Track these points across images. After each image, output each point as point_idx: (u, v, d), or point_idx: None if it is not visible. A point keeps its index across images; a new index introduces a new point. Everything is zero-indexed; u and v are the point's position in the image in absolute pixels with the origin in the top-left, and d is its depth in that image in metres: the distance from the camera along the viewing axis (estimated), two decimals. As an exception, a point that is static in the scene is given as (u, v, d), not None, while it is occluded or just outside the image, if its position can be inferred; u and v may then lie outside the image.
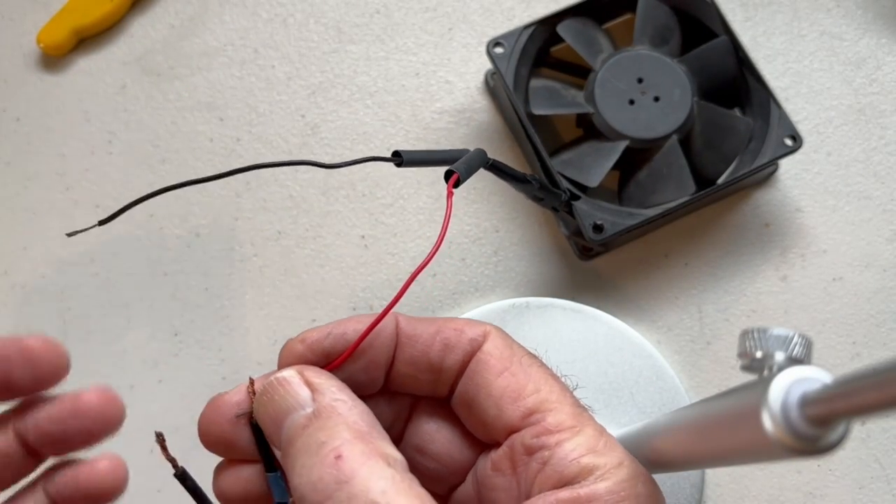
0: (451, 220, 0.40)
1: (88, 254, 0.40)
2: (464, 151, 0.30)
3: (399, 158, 0.28)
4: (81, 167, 0.41)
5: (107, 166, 0.41)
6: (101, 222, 0.27)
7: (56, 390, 0.25)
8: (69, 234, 0.28)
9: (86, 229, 0.27)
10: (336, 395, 0.24)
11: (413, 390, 0.27)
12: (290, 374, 0.24)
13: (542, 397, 0.25)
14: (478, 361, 0.26)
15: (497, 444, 0.26)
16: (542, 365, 0.27)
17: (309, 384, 0.24)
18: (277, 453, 0.24)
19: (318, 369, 0.25)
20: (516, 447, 0.25)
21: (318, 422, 0.23)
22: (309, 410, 0.23)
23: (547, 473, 0.24)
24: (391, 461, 0.22)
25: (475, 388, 0.26)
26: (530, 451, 0.25)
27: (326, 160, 0.42)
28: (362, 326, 0.26)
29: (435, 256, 0.40)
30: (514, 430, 0.26)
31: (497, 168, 0.32)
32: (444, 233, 0.26)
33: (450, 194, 0.27)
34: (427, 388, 0.27)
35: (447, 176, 0.28)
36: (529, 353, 0.27)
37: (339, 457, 0.22)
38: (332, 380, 0.24)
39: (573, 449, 0.24)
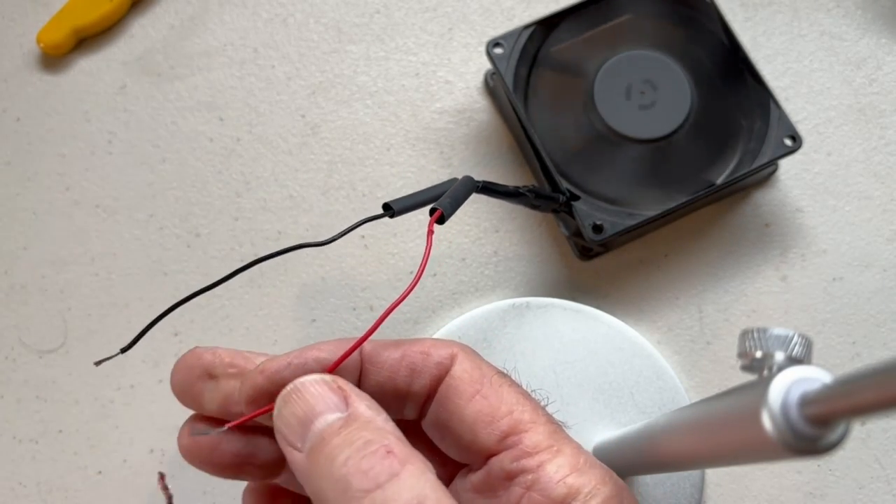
0: (449, 221, 0.40)
1: (88, 254, 0.40)
2: (451, 182, 0.31)
3: (391, 211, 0.29)
4: (81, 167, 0.41)
5: (107, 166, 0.41)
6: (123, 350, 0.27)
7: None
8: (97, 363, 0.28)
9: (111, 357, 0.27)
10: (371, 405, 0.24)
11: None
12: (326, 377, 0.24)
13: (516, 418, 0.25)
14: (447, 386, 0.26)
15: (475, 465, 0.26)
16: (513, 383, 0.27)
17: (342, 390, 0.24)
18: (294, 455, 0.24)
19: (347, 382, 0.25)
20: (495, 472, 0.25)
21: (357, 423, 0.23)
22: (344, 415, 0.23)
23: (533, 498, 0.24)
24: (430, 469, 0.22)
25: (447, 414, 0.26)
26: (511, 476, 0.25)
27: (326, 160, 0.42)
28: (324, 355, 0.25)
29: (436, 258, 0.40)
30: (491, 454, 0.25)
31: (488, 189, 0.32)
32: (422, 270, 0.26)
33: (430, 233, 0.27)
34: (395, 413, 0.27)
35: (431, 213, 0.28)
36: (499, 372, 0.27)
37: (390, 452, 0.22)
38: (363, 394, 0.24)
39: (556, 470, 0.24)
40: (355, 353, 0.26)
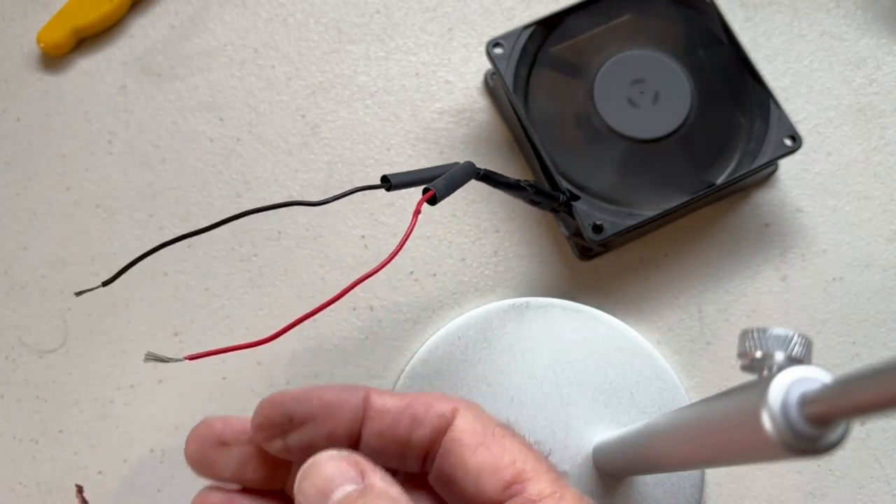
0: (450, 221, 0.41)
1: (88, 254, 0.40)
2: (452, 165, 0.30)
3: (388, 183, 0.28)
4: (82, 167, 0.41)
5: (107, 166, 0.41)
6: (105, 283, 0.27)
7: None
8: (78, 294, 0.28)
9: (92, 289, 0.28)
10: (385, 477, 0.24)
11: (383, 464, 0.28)
12: (340, 453, 0.25)
13: (519, 468, 0.26)
14: (451, 440, 0.27)
15: None
16: (515, 435, 0.27)
17: (359, 464, 0.25)
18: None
19: (362, 456, 0.26)
20: None
21: (373, 493, 0.24)
22: (360, 486, 0.24)
23: None
24: None
25: (451, 466, 0.26)
26: None
27: (326, 160, 0.42)
28: (329, 396, 0.27)
29: (436, 258, 0.40)
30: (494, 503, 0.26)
31: (489, 178, 0.32)
32: (402, 246, 0.26)
33: (416, 212, 0.27)
34: (396, 462, 0.28)
35: (424, 193, 0.28)
36: (502, 425, 0.27)
37: None
38: (378, 468, 0.25)
39: None
40: (358, 398, 0.27)
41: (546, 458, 0.27)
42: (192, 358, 0.26)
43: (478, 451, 0.26)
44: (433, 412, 0.27)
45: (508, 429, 0.27)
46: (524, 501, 0.25)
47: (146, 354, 0.27)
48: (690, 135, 0.38)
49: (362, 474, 0.24)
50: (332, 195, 0.28)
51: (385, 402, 0.27)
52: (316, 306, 0.26)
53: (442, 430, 0.27)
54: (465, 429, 0.27)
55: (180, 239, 0.27)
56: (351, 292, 0.40)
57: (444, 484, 0.27)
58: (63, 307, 0.39)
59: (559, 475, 0.26)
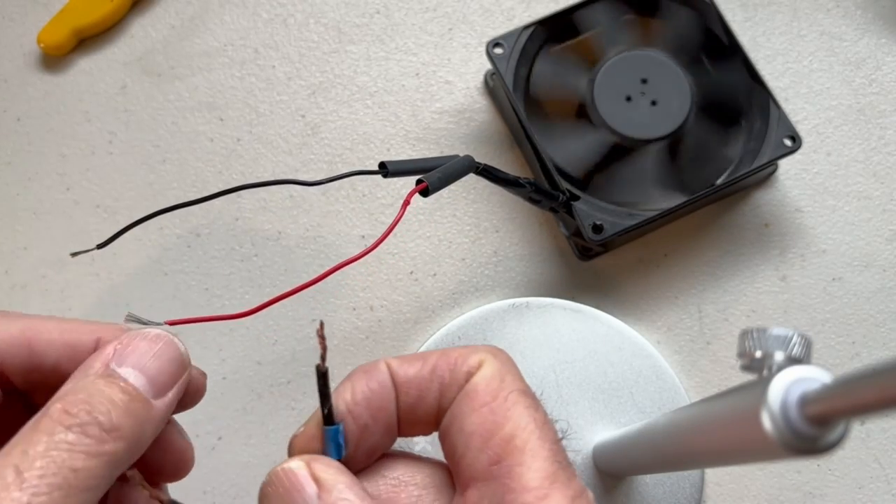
0: (450, 221, 0.41)
1: (89, 254, 0.40)
2: (451, 158, 0.30)
3: (385, 170, 0.28)
4: (82, 167, 0.41)
5: (107, 166, 0.41)
6: (100, 246, 0.28)
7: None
8: (73, 255, 0.29)
9: (87, 251, 0.28)
10: (343, 494, 0.22)
11: (416, 434, 0.26)
12: (297, 465, 0.23)
13: (516, 445, 0.23)
14: (464, 392, 0.24)
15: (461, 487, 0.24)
16: (531, 405, 0.24)
17: (316, 479, 0.23)
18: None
19: (327, 461, 0.23)
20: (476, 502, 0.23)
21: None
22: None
23: None
24: None
25: (451, 418, 0.24)
26: None
27: (326, 160, 0.42)
28: (360, 402, 0.24)
29: (436, 258, 0.40)
30: (477, 478, 0.23)
31: (488, 173, 0.32)
32: (387, 234, 0.26)
33: (405, 203, 0.27)
34: (427, 430, 0.25)
35: (417, 184, 0.28)
36: (521, 390, 0.24)
37: None
38: (340, 475, 0.23)
39: None
40: (387, 374, 0.25)
41: (559, 442, 0.24)
42: (172, 323, 0.26)
43: (480, 412, 0.23)
44: (460, 372, 0.24)
45: (527, 396, 0.24)
46: (503, 488, 0.22)
47: (127, 315, 0.27)
48: (690, 135, 0.38)
49: (320, 490, 0.22)
50: (327, 177, 0.28)
51: (406, 372, 0.25)
52: (300, 285, 0.26)
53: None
54: (478, 383, 0.24)
55: (177, 208, 0.27)
56: (351, 292, 0.40)
57: (444, 437, 0.25)
58: (63, 307, 0.39)
59: (559, 465, 0.23)
